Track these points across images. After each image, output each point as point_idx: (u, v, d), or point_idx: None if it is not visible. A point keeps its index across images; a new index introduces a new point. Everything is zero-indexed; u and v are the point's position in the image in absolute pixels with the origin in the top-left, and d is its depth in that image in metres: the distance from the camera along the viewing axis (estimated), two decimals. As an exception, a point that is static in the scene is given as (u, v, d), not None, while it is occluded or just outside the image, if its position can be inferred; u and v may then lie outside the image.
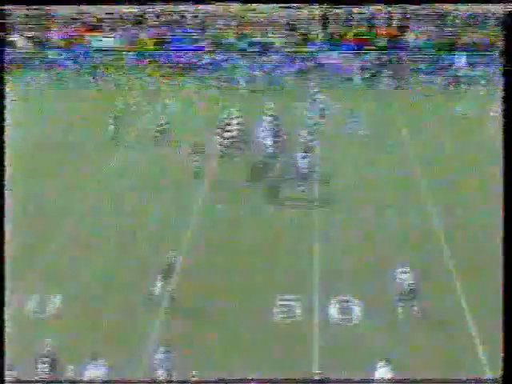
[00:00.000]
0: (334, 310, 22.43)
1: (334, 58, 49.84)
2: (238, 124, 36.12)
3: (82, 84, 47.83)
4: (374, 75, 48.22)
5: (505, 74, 11.50)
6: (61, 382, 17.03)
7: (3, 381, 12.08)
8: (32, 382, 17.12)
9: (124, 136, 37.14)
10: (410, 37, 52.22)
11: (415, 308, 22.09)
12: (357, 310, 22.45)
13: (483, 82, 47.27)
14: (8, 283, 21.33)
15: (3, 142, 10.92)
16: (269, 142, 34.28)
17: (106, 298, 23.23)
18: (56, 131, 38.54)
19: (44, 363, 18.29)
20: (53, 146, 36.45)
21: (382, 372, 17.92)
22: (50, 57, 50.23)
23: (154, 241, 26.86)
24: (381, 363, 18.07)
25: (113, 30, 51.99)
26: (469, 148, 35.50)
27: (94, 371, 18.22)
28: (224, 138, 35.21)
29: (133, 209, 29.58)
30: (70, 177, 32.62)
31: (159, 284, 22.67)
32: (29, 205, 29.24)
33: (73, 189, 31.30)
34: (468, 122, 40.04)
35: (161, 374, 18.80)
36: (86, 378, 18.09)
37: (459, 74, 48.48)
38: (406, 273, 22.20)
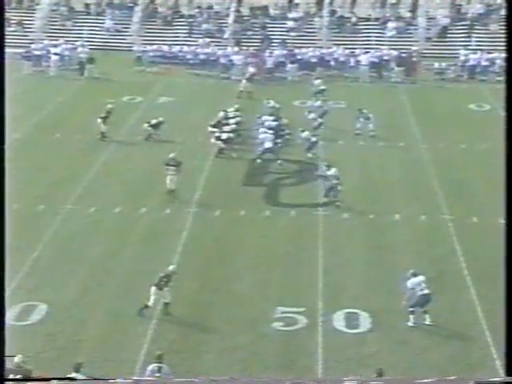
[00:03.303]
0: (339, 322, 22.21)
1: (339, 53, 49.91)
2: (235, 123, 36.11)
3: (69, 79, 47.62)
4: (382, 70, 48.10)
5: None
6: (64, 379, 16.77)
7: (3, 380, 11.84)
8: (35, 379, 16.86)
9: (114, 133, 36.87)
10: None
11: (427, 316, 21.95)
12: (364, 322, 22.24)
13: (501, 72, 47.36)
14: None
15: (3, 142, 10.70)
16: (268, 141, 34.11)
17: (95, 308, 23.00)
18: (41, 128, 38.30)
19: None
20: (38, 142, 36.28)
21: None
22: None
23: (145, 248, 26.68)
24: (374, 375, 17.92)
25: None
26: (484, 146, 35.22)
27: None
28: (221, 137, 35.08)
29: (121, 212, 29.32)
30: (55, 176, 32.39)
31: (153, 296, 22.41)
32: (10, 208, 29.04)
33: (57, 190, 31.06)
34: (483, 117, 40.03)
35: None
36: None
37: (474, 64, 48.40)
38: (419, 280, 22.07)
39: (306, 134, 34.94)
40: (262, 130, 35.52)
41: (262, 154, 34.08)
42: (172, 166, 30.20)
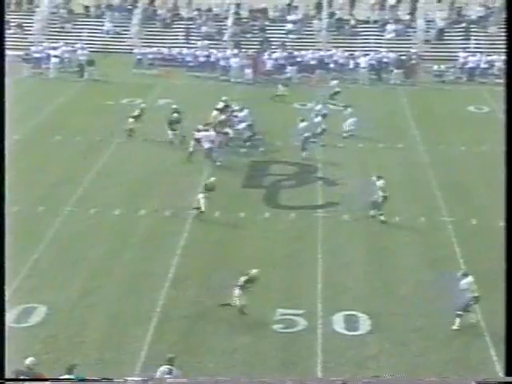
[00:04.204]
0: (339, 325, 22.17)
1: (338, 55, 49.96)
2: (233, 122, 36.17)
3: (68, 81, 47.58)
4: (381, 73, 48.11)
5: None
6: (64, 380, 16.66)
7: (3, 380, 11.76)
8: (33, 380, 16.77)
9: (114, 135, 36.87)
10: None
11: (473, 316, 21.98)
12: (364, 324, 22.17)
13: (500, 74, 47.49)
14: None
15: (3, 143, 10.68)
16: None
17: (95, 310, 22.97)
18: (42, 130, 38.27)
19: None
20: (38, 144, 36.30)
21: None
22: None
23: (145, 250, 26.66)
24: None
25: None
26: (483, 148, 35.19)
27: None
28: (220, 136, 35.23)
29: (121, 214, 29.30)
30: (55, 178, 32.37)
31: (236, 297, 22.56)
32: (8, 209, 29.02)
33: (58, 191, 31.05)
34: (484, 119, 40.07)
35: None
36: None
37: (473, 66, 48.49)
38: (470, 281, 21.99)
39: (303, 124, 35.03)
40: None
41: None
42: (209, 190, 29.63)
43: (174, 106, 37.14)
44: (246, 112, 36.95)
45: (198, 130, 34.49)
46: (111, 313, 22.77)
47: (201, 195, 29.15)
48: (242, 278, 22.57)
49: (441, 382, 13.82)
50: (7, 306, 22.57)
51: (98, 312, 22.80)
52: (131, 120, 36.88)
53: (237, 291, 22.45)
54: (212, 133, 34.28)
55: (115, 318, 22.53)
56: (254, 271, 22.88)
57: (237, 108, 37.89)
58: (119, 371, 19.76)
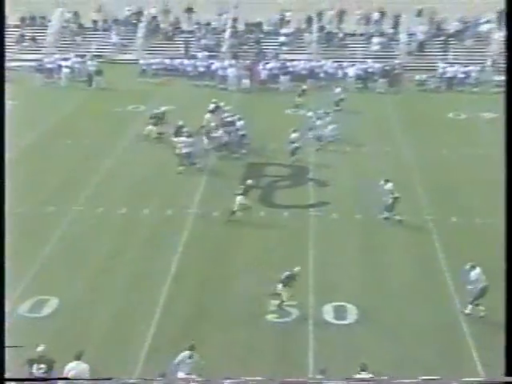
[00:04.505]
0: (328, 314, 22.02)
1: (328, 65, 49.83)
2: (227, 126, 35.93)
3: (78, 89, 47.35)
4: (367, 82, 47.92)
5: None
6: (64, 379, 16.33)
7: (3, 380, 11.41)
8: (33, 380, 16.45)
9: (120, 139, 36.61)
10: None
11: (481, 307, 21.78)
12: (351, 314, 22.05)
13: (476, 83, 47.52)
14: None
15: (3, 142, 10.35)
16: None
17: (100, 303, 22.77)
18: (53, 134, 38.02)
19: (40, 364, 17.74)
20: (50, 147, 36.04)
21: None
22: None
23: (148, 247, 26.42)
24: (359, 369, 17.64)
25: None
26: (463, 151, 34.99)
27: (75, 368, 17.62)
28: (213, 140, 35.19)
29: (126, 213, 29.03)
30: (64, 179, 32.12)
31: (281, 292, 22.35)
32: (22, 210, 28.84)
33: (66, 192, 30.83)
34: (462, 125, 40.00)
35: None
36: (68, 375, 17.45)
37: (451, 76, 48.35)
38: (479, 272, 21.76)
39: (294, 135, 34.74)
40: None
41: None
42: (247, 191, 29.14)
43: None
44: (242, 122, 36.43)
45: (176, 136, 34.29)
46: (116, 306, 22.57)
47: (239, 197, 28.62)
48: (285, 275, 22.27)
49: (441, 382, 13.39)
50: (21, 297, 22.59)
51: (104, 305, 22.57)
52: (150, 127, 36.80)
53: (279, 287, 22.19)
54: (190, 139, 33.86)
55: (120, 311, 22.34)
56: (296, 269, 22.47)
57: (229, 113, 37.44)
58: (121, 362, 19.65)
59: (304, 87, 43.44)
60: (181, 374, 18.26)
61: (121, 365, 19.45)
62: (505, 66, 11.17)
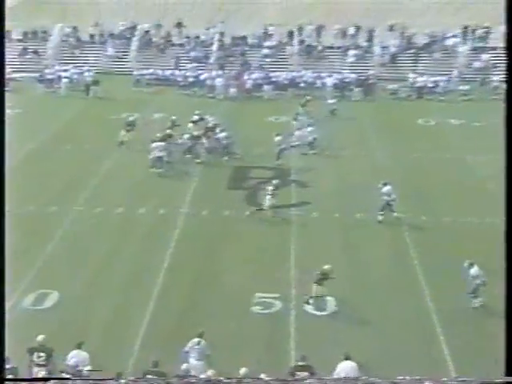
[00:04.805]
0: (309, 305, 22.05)
1: (308, 75, 49.85)
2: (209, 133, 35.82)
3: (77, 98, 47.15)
4: (344, 91, 47.93)
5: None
6: (61, 378, 16.10)
7: (3, 380, 11.23)
8: (33, 380, 16.22)
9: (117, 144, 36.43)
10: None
11: (477, 300, 21.87)
12: (330, 306, 22.08)
13: (443, 92, 47.75)
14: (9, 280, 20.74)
15: (3, 143, 10.16)
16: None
17: (99, 297, 22.71)
18: (54, 140, 37.83)
19: (40, 353, 17.66)
20: (51, 152, 35.87)
21: (343, 365, 17.41)
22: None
23: (144, 244, 26.33)
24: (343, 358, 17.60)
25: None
26: (432, 155, 35.04)
27: (76, 356, 17.57)
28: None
29: (123, 213, 28.94)
30: (66, 181, 31.97)
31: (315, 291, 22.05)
32: (27, 209, 28.74)
33: (68, 193, 30.68)
34: (431, 130, 40.13)
35: (194, 366, 18.06)
36: (69, 362, 17.41)
37: (421, 86, 48.50)
38: (476, 269, 21.78)
39: (278, 138, 34.72)
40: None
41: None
42: (276, 190, 29.17)
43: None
44: (226, 133, 36.27)
45: (153, 141, 34.06)
46: (113, 298, 22.52)
47: (269, 196, 28.71)
48: (318, 274, 21.91)
49: (441, 382, 13.16)
50: (24, 292, 22.49)
51: (102, 298, 22.51)
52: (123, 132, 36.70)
53: (314, 287, 21.89)
54: (162, 143, 33.76)
55: (117, 302, 22.29)
56: (326, 267, 22.07)
57: (213, 122, 37.21)
58: (118, 350, 19.60)
59: (308, 98, 42.73)
60: (191, 360, 18.17)
61: (118, 351, 19.44)
62: (505, 66, 10.78)
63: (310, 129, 36.70)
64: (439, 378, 15.25)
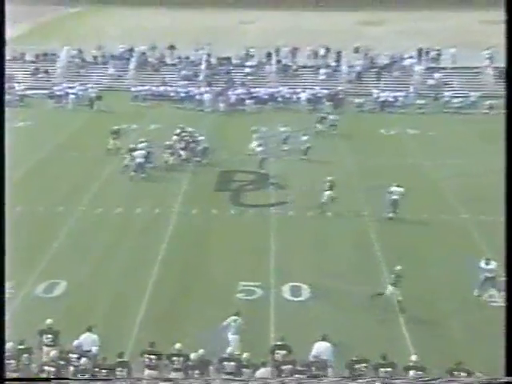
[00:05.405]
0: (286, 293, 22.03)
1: (284, 91, 49.81)
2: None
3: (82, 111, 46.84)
4: (316, 104, 47.86)
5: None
6: (64, 379, 15.86)
7: (3, 380, 10.95)
8: (33, 380, 15.94)
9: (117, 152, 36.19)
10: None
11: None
12: (305, 292, 22.06)
13: (402, 106, 48.00)
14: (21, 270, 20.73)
15: (3, 144, 9.86)
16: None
17: (101, 286, 22.57)
18: (62, 148, 37.56)
19: (48, 335, 17.53)
20: (59, 159, 35.63)
21: (319, 346, 17.29)
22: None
23: (140, 240, 26.13)
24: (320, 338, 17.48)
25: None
26: (394, 160, 34.97)
27: (86, 338, 17.46)
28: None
29: (121, 212, 28.73)
30: (71, 185, 31.73)
31: (389, 291, 21.04)
32: (37, 209, 28.53)
33: (73, 195, 30.45)
34: (392, 139, 40.20)
35: (231, 340, 18.22)
36: (76, 343, 17.26)
37: (383, 100, 48.64)
38: (489, 264, 21.35)
39: (260, 148, 34.60)
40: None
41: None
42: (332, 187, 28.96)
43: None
44: (203, 138, 36.43)
45: (135, 149, 33.82)
46: (114, 287, 22.40)
47: (327, 192, 28.62)
48: (392, 276, 20.99)
49: (441, 382, 12.88)
50: (36, 282, 22.31)
51: (105, 286, 22.39)
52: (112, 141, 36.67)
53: (390, 288, 20.84)
54: (143, 151, 33.53)
55: (117, 291, 22.16)
56: (397, 268, 21.02)
57: (195, 134, 36.99)
58: (119, 330, 19.51)
59: (323, 115, 42.14)
60: (229, 334, 18.25)
61: (119, 332, 19.33)
62: (505, 67, 10.41)
63: (304, 138, 36.62)
64: (440, 377, 15.07)
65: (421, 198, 29.62)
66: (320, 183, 29.42)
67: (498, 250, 22.80)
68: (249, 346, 17.73)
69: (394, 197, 28.01)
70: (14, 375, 16.19)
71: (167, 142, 35.48)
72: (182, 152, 35.26)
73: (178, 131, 37.07)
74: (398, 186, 28.22)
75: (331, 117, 42.50)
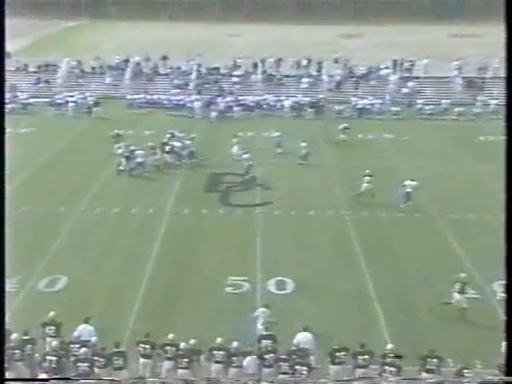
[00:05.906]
0: (272, 287, 22.06)
1: (270, 99, 49.83)
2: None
3: (81, 118, 46.66)
4: (299, 111, 47.94)
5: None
6: (64, 379, 15.72)
7: (3, 380, 10.84)
8: (33, 380, 15.79)
9: (115, 157, 36.04)
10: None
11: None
12: (289, 286, 22.11)
13: (379, 112, 48.10)
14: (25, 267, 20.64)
15: (3, 145, 9.72)
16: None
17: (100, 281, 22.51)
18: (63, 153, 37.39)
19: (50, 326, 17.45)
20: (61, 163, 35.47)
21: (300, 336, 17.27)
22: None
23: (136, 238, 26.06)
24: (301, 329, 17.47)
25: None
26: (370, 162, 34.86)
27: (84, 329, 17.40)
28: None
29: (119, 212, 28.67)
30: (72, 186, 31.61)
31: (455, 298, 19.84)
32: (41, 209, 28.42)
33: (73, 196, 30.33)
34: (369, 143, 40.31)
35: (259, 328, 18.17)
36: (76, 334, 17.23)
37: (361, 107, 48.70)
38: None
39: (246, 156, 34.60)
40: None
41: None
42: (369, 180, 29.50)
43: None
44: (190, 142, 36.57)
45: (133, 151, 34.09)
46: (112, 281, 22.37)
47: (365, 184, 29.21)
48: (457, 285, 19.71)
49: (441, 382, 12.59)
50: (39, 277, 22.23)
51: (103, 281, 22.37)
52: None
53: (457, 296, 19.72)
54: (142, 151, 34.02)
55: (114, 285, 22.14)
56: (462, 275, 20.09)
57: (184, 139, 37.03)
58: (117, 320, 19.46)
59: (345, 125, 41.18)
60: (258, 324, 18.27)
61: (116, 323, 19.30)
62: (505, 68, 10.10)
63: (302, 144, 36.56)
64: (439, 377, 15.00)
65: (397, 198, 29.71)
66: (301, 185, 29.43)
67: (469, 248, 23.16)
68: (237, 334, 17.73)
69: (408, 190, 28.47)
70: (19, 364, 16.17)
71: (150, 143, 35.58)
72: (166, 155, 35.20)
73: (168, 136, 37.10)
74: (412, 180, 28.67)
75: (340, 126, 41.52)
